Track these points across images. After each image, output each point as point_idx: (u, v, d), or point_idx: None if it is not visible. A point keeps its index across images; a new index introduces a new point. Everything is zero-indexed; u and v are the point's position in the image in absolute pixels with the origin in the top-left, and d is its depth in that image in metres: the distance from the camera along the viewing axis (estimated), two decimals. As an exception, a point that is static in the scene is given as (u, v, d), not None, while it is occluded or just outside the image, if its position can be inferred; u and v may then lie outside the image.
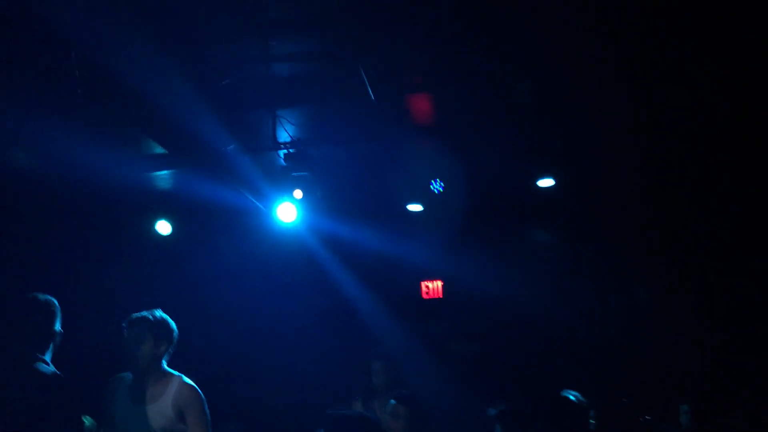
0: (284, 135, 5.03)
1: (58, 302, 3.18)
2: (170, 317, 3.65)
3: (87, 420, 5.50)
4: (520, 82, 4.57)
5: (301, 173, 5.10)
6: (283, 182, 5.13)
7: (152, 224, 6.34)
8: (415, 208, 6.35)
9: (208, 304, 6.41)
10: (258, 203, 5.68)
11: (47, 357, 3.09)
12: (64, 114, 4.22)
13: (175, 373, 3.59)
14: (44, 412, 2.83)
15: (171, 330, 3.57)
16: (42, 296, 3.19)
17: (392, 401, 3.57)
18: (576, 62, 4.33)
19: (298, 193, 5.13)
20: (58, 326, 3.16)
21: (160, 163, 5.44)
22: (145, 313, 3.56)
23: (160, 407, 3.45)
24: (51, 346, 3.12)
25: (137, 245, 6.41)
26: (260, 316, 6.70)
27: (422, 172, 5.78)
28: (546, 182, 6.03)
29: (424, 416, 3.55)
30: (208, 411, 3.53)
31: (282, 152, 5.18)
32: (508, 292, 6.34)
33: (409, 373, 5.22)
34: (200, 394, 3.53)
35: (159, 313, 3.59)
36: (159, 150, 5.18)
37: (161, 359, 3.54)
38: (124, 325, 3.56)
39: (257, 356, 6.62)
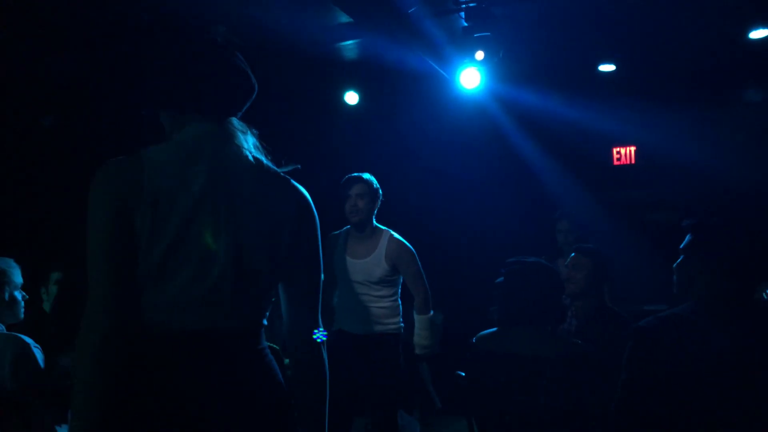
0: (465, -8, 4.89)
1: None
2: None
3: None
4: None
5: (484, 33, 4.98)
6: (465, 44, 5.05)
7: (341, 95, 6.54)
8: (607, 68, 5.98)
9: (394, 172, 6.35)
10: (441, 70, 5.62)
11: None
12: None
13: (384, 228, 4.00)
14: None
15: (379, 190, 3.97)
16: None
17: (573, 253, 3.55)
18: None
19: (479, 54, 5.04)
20: None
21: (347, 32, 5.54)
22: (362, 174, 3.96)
23: (376, 260, 3.87)
24: None
25: (328, 115, 6.67)
26: (444, 182, 6.77)
27: (617, 27, 5.35)
28: (760, 33, 5.41)
29: (606, 271, 3.49)
30: (418, 259, 3.93)
31: (463, 14, 5.05)
32: (710, 159, 5.85)
33: (596, 238, 5.09)
34: (409, 247, 3.93)
35: (369, 175, 3.98)
36: (345, 19, 5.28)
37: (373, 215, 3.95)
38: (342, 182, 3.95)
39: (442, 218, 6.74)
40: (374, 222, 3.99)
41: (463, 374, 2.89)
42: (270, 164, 1.68)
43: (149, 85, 1.66)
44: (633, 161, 6.67)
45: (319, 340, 1.67)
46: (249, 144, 1.69)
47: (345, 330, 3.92)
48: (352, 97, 6.53)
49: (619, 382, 2.06)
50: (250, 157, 1.64)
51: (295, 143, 6.42)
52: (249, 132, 1.72)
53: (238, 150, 1.64)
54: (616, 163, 6.71)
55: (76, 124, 5.32)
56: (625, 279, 5.27)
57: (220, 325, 1.55)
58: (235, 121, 1.70)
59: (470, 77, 5.40)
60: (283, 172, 1.70)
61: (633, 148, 6.66)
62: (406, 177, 6.61)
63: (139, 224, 1.50)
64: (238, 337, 1.58)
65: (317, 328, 1.66)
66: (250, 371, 1.58)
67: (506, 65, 5.46)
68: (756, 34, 5.43)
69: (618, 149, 6.68)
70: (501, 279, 2.76)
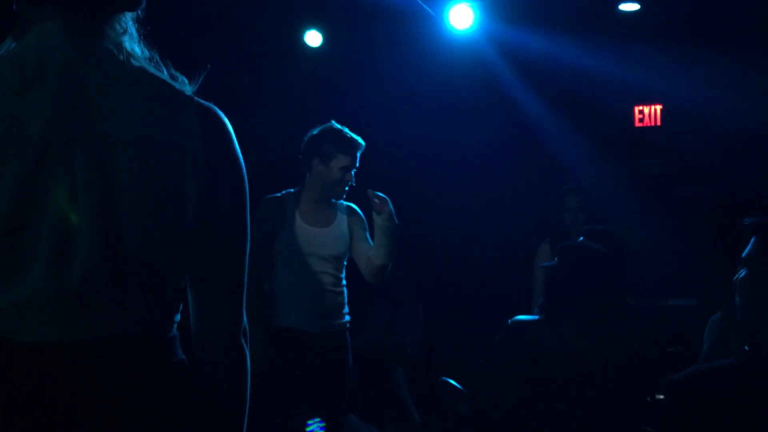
0: None
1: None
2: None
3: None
4: None
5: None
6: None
7: (300, 35, 6.40)
8: (629, 7, 5.93)
9: (364, 131, 6.43)
10: (425, 5, 5.65)
11: None
12: None
13: None
14: None
15: None
16: None
17: (581, 238, 3.44)
18: None
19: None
20: None
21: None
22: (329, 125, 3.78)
23: (339, 229, 3.75)
24: None
25: (283, 60, 6.53)
26: (426, 144, 6.72)
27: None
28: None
29: (623, 261, 3.31)
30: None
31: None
32: (755, 120, 5.76)
33: (613, 217, 5.17)
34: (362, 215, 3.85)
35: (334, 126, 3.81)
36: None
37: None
38: (343, 140, 3.80)
39: (423, 189, 6.76)
40: None
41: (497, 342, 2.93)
42: (166, 78, 1.37)
43: None
44: (659, 123, 6.64)
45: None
46: (132, 52, 1.36)
47: (292, 328, 3.62)
48: (313, 38, 6.36)
49: None
50: (129, 74, 1.32)
51: (243, 95, 6.28)
52: (133, 34, 1.37)
53: (111, 62, 1.31)
54: (638, 124, 6.68)
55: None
56: (647, 268, 5.31)
57: (94, 335, 1.26)
58: (113, 21, 1.35)
59: (462, 15, 5.64)
60: (189, 92, 1.38)
61: (659, 107, 6.62)
62: (380, 138, 6.22)
63: None
64: (128, 350, 1.29)
65: (240, 327, 1.42)
66: (150, 402, 1.29)
67: (506, 1, 5.62)
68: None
69: (641, 108, 6.65)
70: (554, 263, 2.92)
